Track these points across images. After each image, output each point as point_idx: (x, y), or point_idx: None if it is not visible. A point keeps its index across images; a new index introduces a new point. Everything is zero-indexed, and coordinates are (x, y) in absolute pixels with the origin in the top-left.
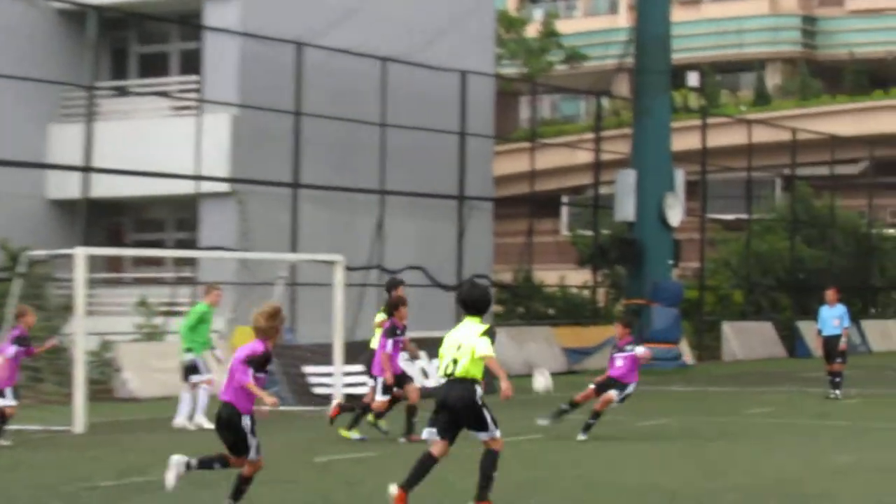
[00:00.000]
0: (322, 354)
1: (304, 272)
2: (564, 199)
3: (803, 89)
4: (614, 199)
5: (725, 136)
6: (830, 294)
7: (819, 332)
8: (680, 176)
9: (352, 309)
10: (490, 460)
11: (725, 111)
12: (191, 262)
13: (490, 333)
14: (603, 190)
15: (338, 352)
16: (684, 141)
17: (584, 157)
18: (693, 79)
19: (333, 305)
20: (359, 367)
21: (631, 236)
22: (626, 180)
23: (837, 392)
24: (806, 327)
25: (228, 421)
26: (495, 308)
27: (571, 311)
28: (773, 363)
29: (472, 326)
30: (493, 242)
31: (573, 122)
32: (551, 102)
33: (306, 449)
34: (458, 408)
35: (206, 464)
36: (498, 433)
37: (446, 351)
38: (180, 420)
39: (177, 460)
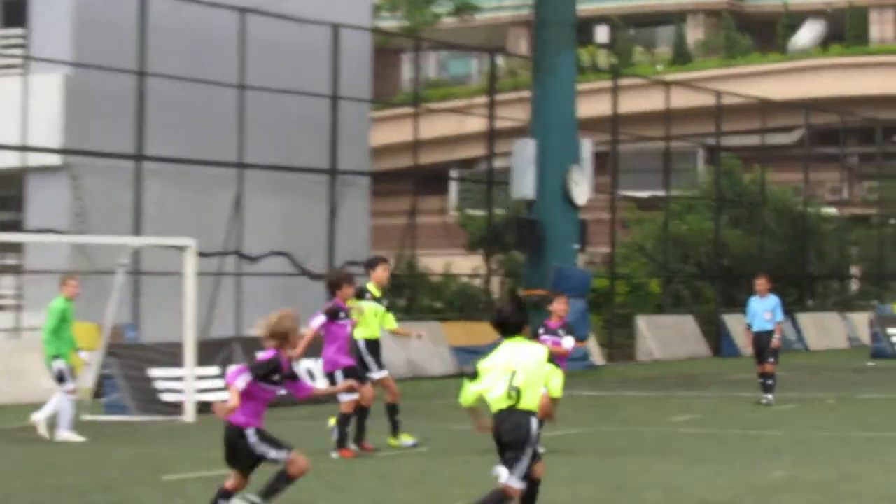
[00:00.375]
0: (171, 355)
1: (150, 259)
2: (453, 173)
3: (729, 46)
4: (511, 173)
5: (640, 101)
6: (761, 283)
7: (748, 327)
8: (587, 146)
9: (206, 302)
10: (497, 497)
11: (639, 71)
12: (16, 248)
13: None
14: (498, 163)
15: (189, 352)
16: (592, 106)
17: (475, 124)
18: (602, 33)
19: (184, 298)
20: (214, 370)
21: (530, 216)
22: (525, 152)
23: (770, 397)
24: (733, 322)
25: (233, 444)
26: None
27: (461, 303)
28: (696, 363)
29: (529, 350)
30: (371, 224)
31: (463, 83)
32: (438, 61)
33: (153, 466)
34: (509, 440)
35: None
36: (522, 485)
37: (497, 377)
38: (39, 417)
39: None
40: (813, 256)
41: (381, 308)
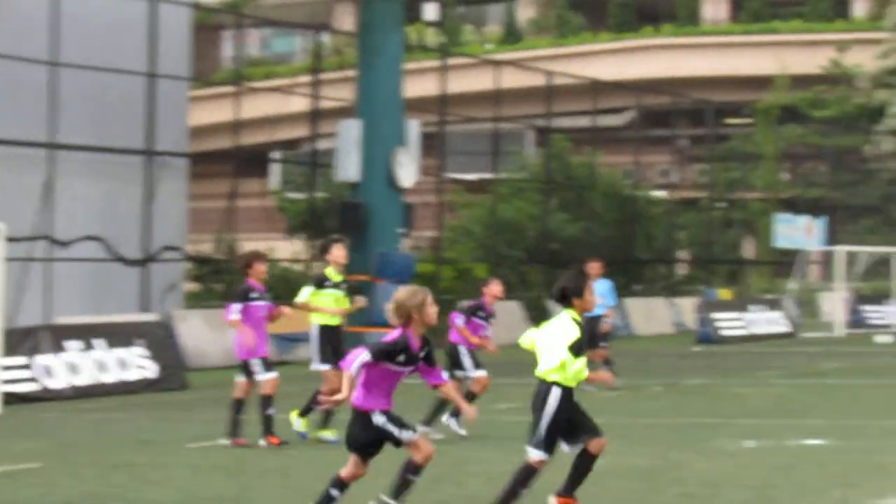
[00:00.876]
0: None
1: None
2: (275, 154)
3: (561, 25)
4: (335, 154)
5: (469, 81)
6: (594, 267)
7: None
8: (414, 127)
9: (14, 288)
10: (521, 472)
11: (469, 50)
12: None
13: (578, 346)
14: (323, 144)
15: None
16: (420, 86)
17: (299, 104)
18: (431, 11)
19: None
20: (21, 360)
21: (353, 200)
22: (350, 133)
23: (618, 382)
24: (559, 307)
25: (360, 430)
26: (190, 287)
27: (282, 289)
28: (521, 350)
29: (562, 324)
30: (189, 207)
31: (287, 62)
32: (261, 38)
33: None
34: (533, 408)
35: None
36: (540, 455)
37: (540, 345)
38: None
39: None
40: (641, 241)
41: (341, 293)
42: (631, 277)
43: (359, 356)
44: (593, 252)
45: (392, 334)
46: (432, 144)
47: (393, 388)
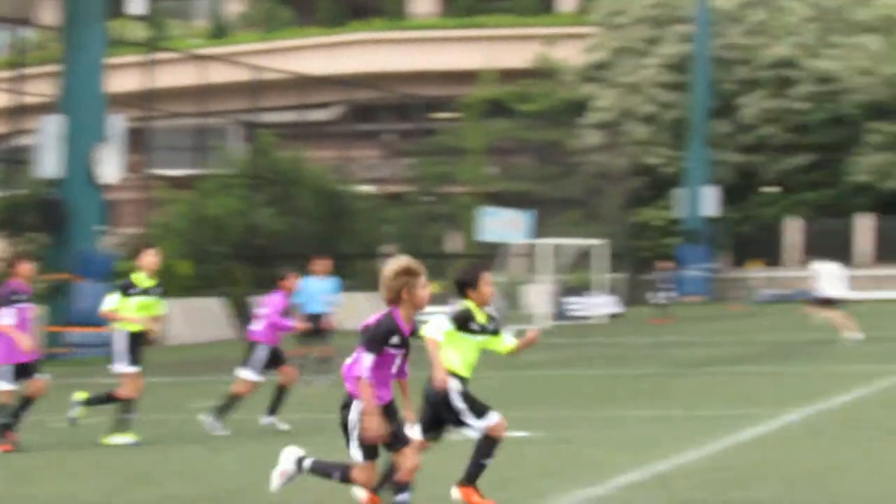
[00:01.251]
0: None
1: None
2: None
3: (269, 20)
4: (35, 151)
5: (175, 75)
6: (321, 265)
7: (299, 308)
8: (116, 123)
9: None
10: (485, 445)
11: (175, 45)
12: None
13: (457, 317)
14: (25, 140)
15: None
16: (125, 80)
17: (1, 99)
18: (136, 5)
19: None
20: None
21: (53, 197)
22: (50, 128)
23: (333, 377)
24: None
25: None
26: None
27: None
28: (222, 347)
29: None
30: None
31: None
32: None
33: None
34: (433, 402)
35: (322, 469)
36: (487, 421)
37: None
38: None
39: (289, 456)
40: (347, 235)
41: (150, 299)
42: (339, 273)
43: (363, 360)
44: (299, 247)
45: (374, 316)
46: (137, 140)
47: (390, 375)
